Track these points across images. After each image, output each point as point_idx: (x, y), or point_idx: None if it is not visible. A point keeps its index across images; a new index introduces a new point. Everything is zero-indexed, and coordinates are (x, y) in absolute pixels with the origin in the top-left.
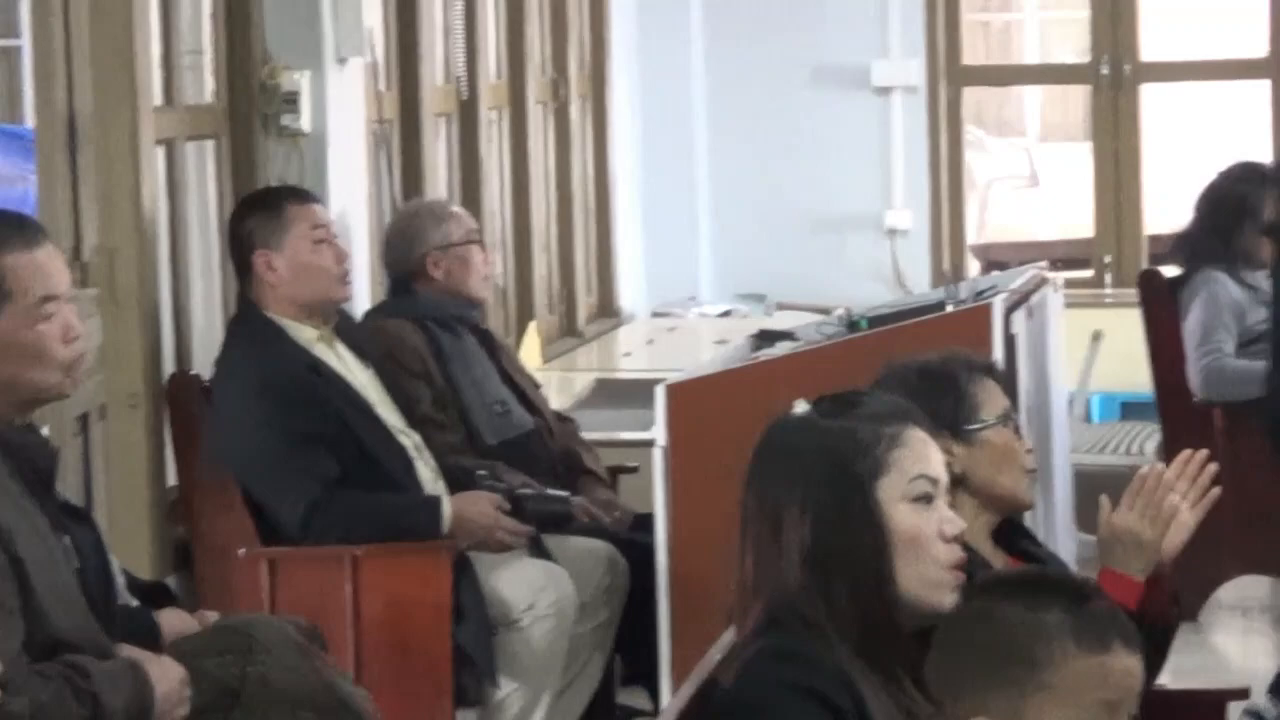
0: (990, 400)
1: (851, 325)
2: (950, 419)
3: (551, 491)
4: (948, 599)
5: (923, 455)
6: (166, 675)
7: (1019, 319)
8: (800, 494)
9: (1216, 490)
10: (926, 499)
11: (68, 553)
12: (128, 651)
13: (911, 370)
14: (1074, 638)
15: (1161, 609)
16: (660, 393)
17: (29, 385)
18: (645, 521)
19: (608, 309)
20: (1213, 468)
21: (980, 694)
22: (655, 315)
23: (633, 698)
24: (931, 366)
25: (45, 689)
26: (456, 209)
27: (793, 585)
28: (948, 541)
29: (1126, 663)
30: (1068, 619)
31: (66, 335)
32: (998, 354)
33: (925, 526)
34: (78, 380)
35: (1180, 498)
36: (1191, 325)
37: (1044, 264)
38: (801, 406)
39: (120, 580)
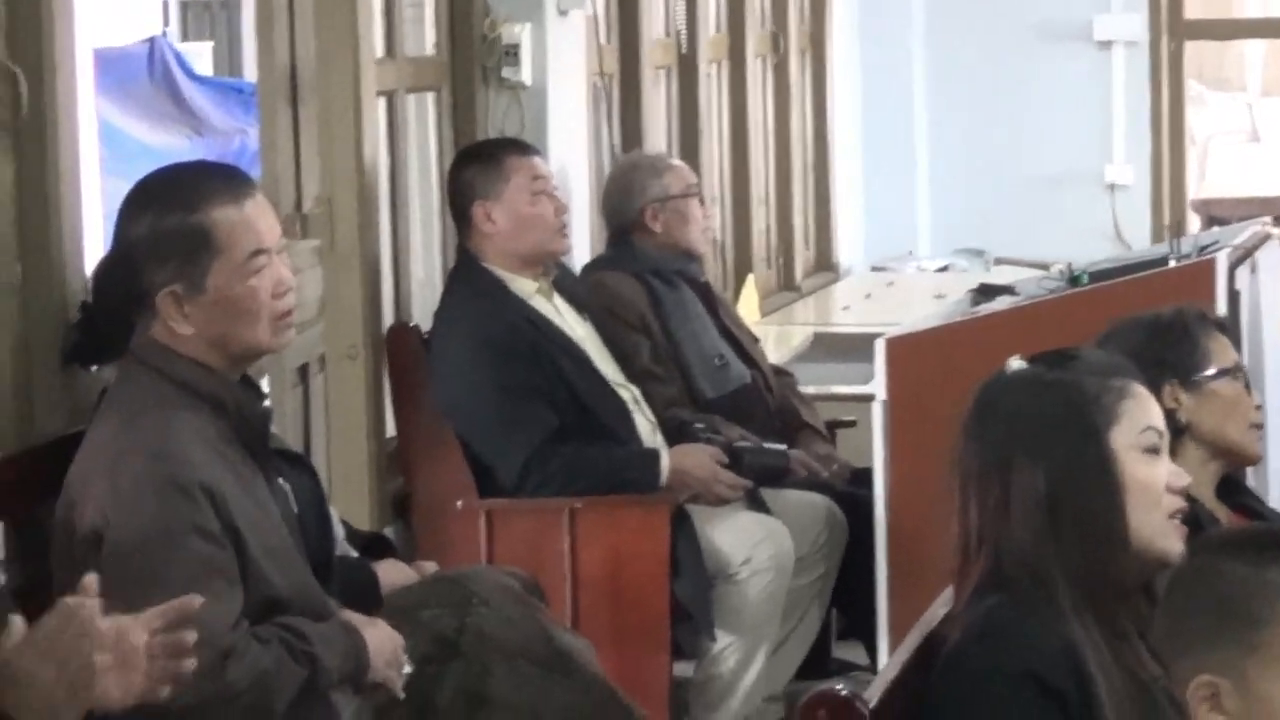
0: (1221, 352)
1: (1073, 280)
2: (1181, 368)
3: (769, 445)
4: (1176, 547)
5: (1148, 408)
6: (383, 638)
7: (1243, 275)
8: (1030, 445)
9: None
10: (1155, 450)
11: (285, 497)
12: (345, 616)
13: (1142, 321)
14: None
15: None
16: (880, 346)
17: (239, 341)
18: (863, 476)
19: (825, 263)
20: None
21: (1203, 653)
22: (873, 270)
23: (849, 652)
24: (1164, 317)
25: (267, 654)
26: (675, 162)
27: (1022, 537)
28: (1174, 493)
29: None
30: None
31: (277, 289)
32: (1221, 310)
33: (1155, 476)
34: (287, 337)
35: None
36: None
37: (1267, 219)
38: (1017, 363)
39: (340, 531)
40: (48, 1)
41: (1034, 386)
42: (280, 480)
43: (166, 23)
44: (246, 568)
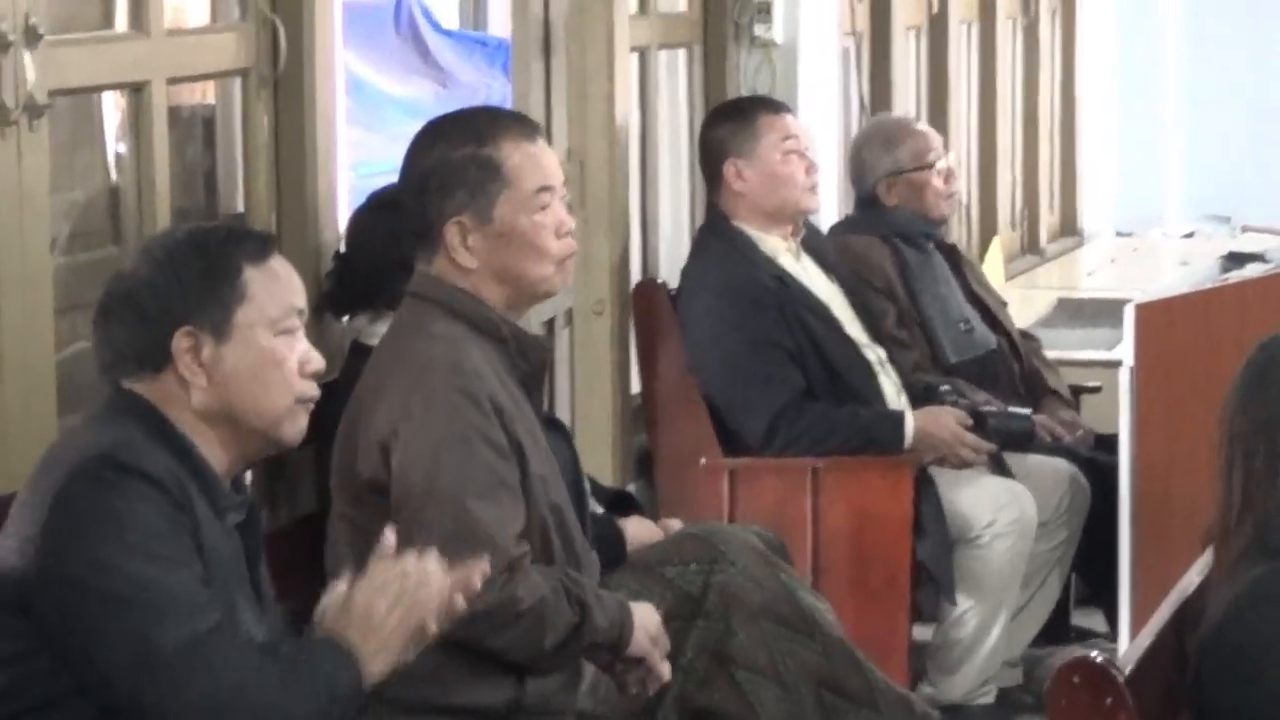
0: None
1: None
2: None
3: (1014, 409)
4: None
5: None
6: (649, 620)
7: None
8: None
9: None
10: None
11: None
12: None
13: None
14: None
15: None
16: (1129, 312)
17: (524, 276)
18: (1107, 442)
19: (1070, 228)
20: None
21: None
22: (1118, 235)
23: (1088, 619)
24: None
25: (547, 583)
26: (915, 128)
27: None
28: None
29: None
30: None
31: (560, 229)
32: None
33: None
34: (568, 277)
35: None
36: None
37: None
38: None
39: (587, 488)
40: None
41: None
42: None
43: None
44: (530, 491)
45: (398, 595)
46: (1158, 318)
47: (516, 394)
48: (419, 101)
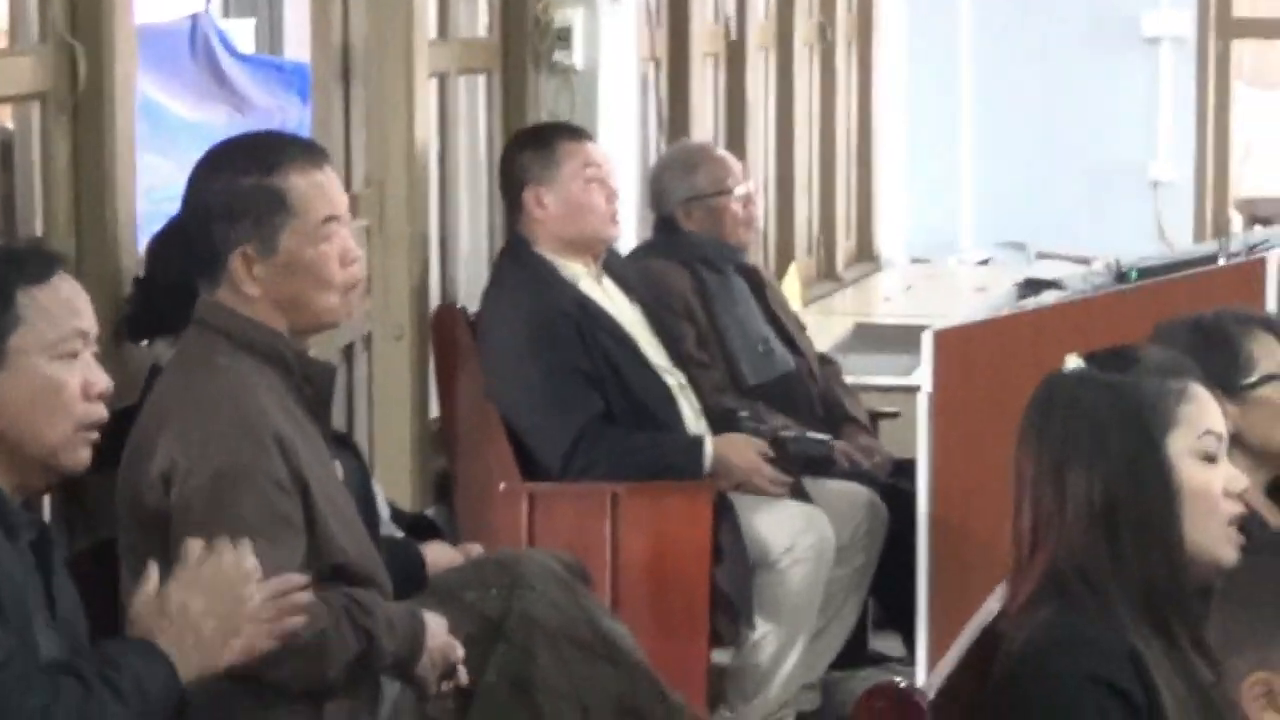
0: (1267, 356)
1: (1120, 276)
2: (1224, 376)
3: (812, 434)
4: (1230, 554)
5: (1209, 410)
6: (441, 630)
7: None
8: (1087, 449)
9: None
10: (1212, 456)
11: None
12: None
13: (1184, 326)
14: None
15: None
16: (928, 338)
17: (308, 307)
18: (905, 467)
19: (866, 254)
20: None
21: (1258, 650)
22: (914, 261)
23: (885, 643)
24: (1204, 322)
25: (327, 616)
26: (713, 154)
27: (1078, 542)
28: (1231, 498)
29: None
30: None
31: (345, 258)
32: (1272, 309)
33: (1213, 483)
34: (354, 306)
35: None
36: None
37: None
38: (1075, 362)
39: (385, 512)
40: None
41: (1091, 388)
42: (335, 462)
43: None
44: (314, 524)
45: (211, 589)
46: (956, 344)
47: (303, 420)
48: (214, 126)
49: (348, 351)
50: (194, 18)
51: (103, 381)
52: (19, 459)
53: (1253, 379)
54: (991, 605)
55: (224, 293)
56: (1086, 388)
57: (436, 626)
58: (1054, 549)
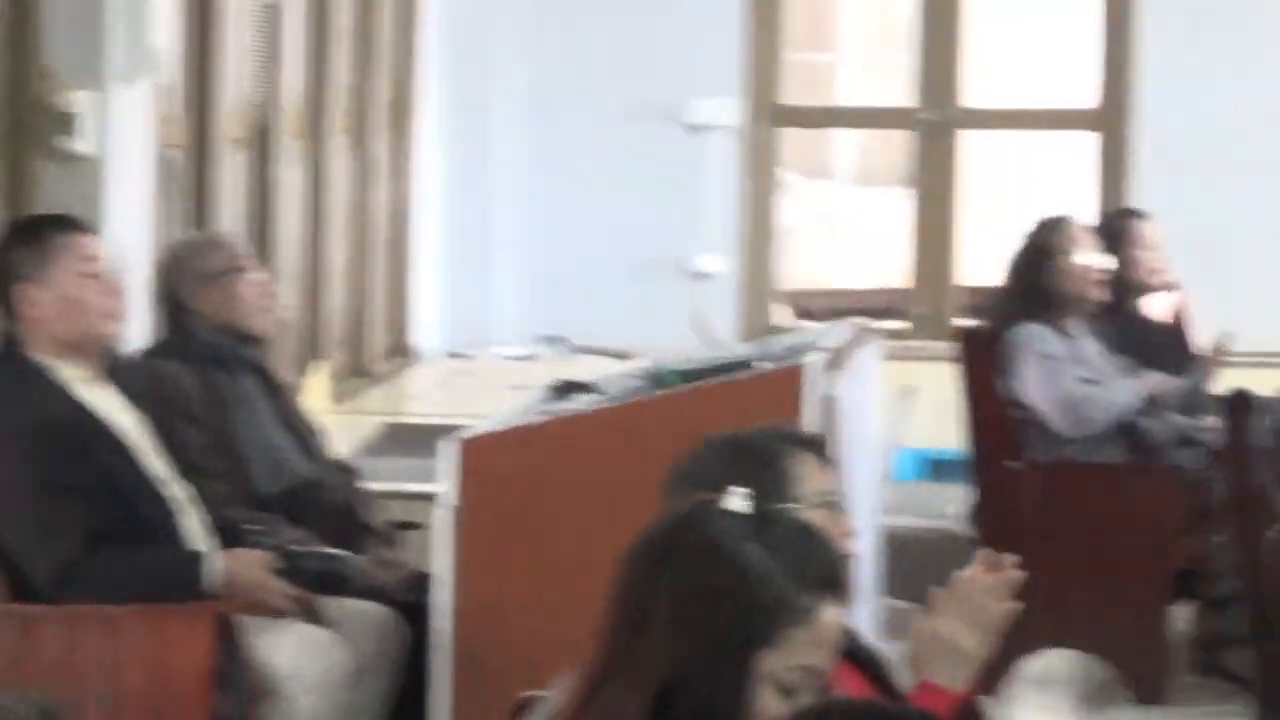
0: (808, 478)
1: (658, 380)
2: (763, 497)
3: (327, 549)
4: None
5: (820, 642)
6: None
7: (837, 378)
8: (683, 620)
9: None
10: (792, 692)
11: None
12: None
13: (725, 446)
14: None
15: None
16: (452, 447)
17: None
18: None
19: (400, 348)
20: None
21: None
22: (451, 355)
23: None
24: (745, 440)
25: None
26: (220, 239)
27: (630, 713)
28: None
29: None
30: None
31: None
32: (811, 415)
33: (782, 714)
34: None
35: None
36: (1032, 376)
37: (861, 318)
38: (739, 499)
39: None
40: None
41: (726, 554)
42: None
43: None
44: None
45: None
46: (481, 452)
47: None
48: None
49: None
50: None
51: None
52: None
53: (790, 503)
54: None
55: None
56: (714, 546)
57: None
58: (607, 711)
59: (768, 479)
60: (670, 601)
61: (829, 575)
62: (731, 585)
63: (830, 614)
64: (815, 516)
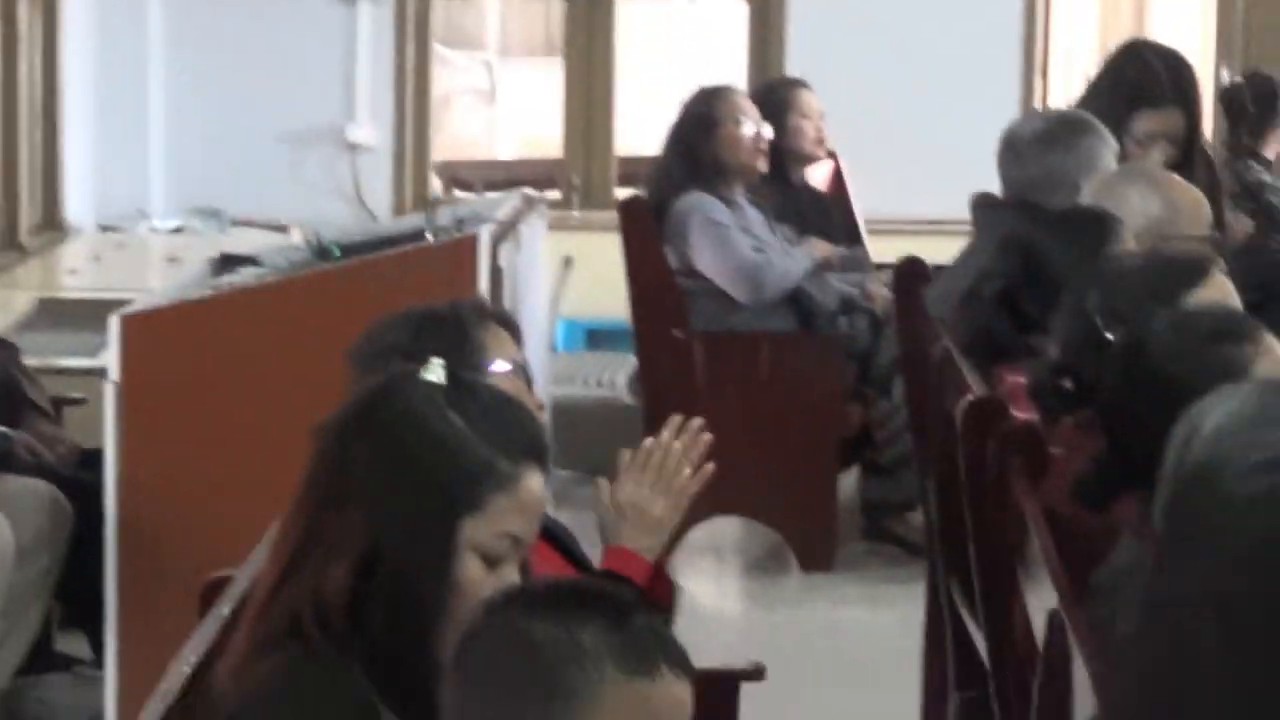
0: (499, 349)
1: (322, 253)
2: (457, 368)
3: None
4: None
5: (523, 509)
6: None
7: (506, 250)
8: (383, 489)
9: (711, 466)
10: (496, 561)
11: None
12: None
13: (415, 316)
14: (614, 661)
15: (668, 590)
16: (114, 323)
17: None
18: (92, 458)
19: (52, 221)
20: (707, 437)
21: None
22: (104, 229)
23: (72, 644)
24: (434, 312)
25: None
26: None
27: (330, 586)
28: None
29: (674, 690)
30: (607, 639)
31: None
32: (483, 287)
33: (484, 587)
34: None
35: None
36: (706, 246)
37: (524, 189)
38: (437, 369)
39: None
40: None
41: (420, 418)
42: None
43: None
44: None
45: None
46: (145, 328)
47: None
48: None
49: None
50: None
51: None
52: None
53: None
54: (209, 628)
55: None
56: (414, 415)
57: None
58: (306, 582)
59: (461, 350)
60: (370, 471)
61: (530, 442)
62: (434, 452)
63: (533, 480)
64: (508, 387)
